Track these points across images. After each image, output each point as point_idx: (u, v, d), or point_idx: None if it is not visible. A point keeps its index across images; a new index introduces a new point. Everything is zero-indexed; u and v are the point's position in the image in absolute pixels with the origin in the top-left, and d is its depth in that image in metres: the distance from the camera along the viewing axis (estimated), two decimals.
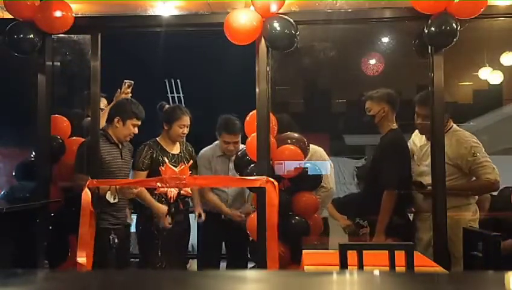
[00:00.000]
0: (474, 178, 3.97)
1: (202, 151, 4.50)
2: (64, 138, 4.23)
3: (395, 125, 4.06)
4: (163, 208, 4.05)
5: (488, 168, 3.85)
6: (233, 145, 4.34)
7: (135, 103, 4.09)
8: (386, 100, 4.04)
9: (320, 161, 4.26)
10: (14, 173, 4.36)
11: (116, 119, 4.01)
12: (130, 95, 4.26)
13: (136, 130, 4.06)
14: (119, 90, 4.25)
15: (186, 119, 4.21)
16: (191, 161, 4.25)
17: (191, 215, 4.43)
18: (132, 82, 4.25)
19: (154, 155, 4.15)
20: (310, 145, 4.21)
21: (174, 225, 4.09)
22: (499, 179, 3.91)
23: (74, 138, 4.27)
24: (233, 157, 4.31)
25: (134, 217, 4.37)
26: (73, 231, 3.79)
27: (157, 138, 4.26)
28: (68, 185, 4.15)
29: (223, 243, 4.57)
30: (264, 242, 3.63)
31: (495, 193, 4.20)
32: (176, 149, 4.24)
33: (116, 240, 3.95)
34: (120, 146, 4.07)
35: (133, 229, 4.38)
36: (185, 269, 4.64)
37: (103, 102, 4.28)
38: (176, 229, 4.13)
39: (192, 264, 5.12)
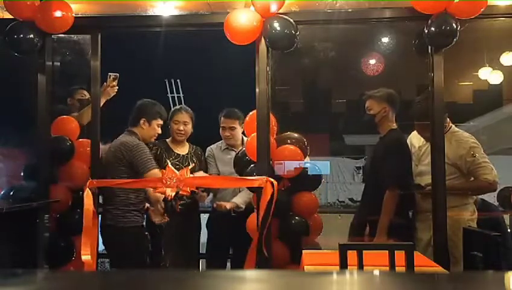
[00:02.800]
0: (472, 178, 3.98)
1: (208, 147, 4.58)
2: (73, 139, 4.21)
3: (394, 126, 4.06)
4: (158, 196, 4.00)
5: (487, 169, 3.86)
6: (229, 131, 4.39)
7: (157, 104, 4.17)
8: (387, 100, 4.04)
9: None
10: (22, 173, 4.36)
11: (142, 121, 4.05)
12: (117, 88, 4.27)
13: (160, 130, 4.13)
14: (105, 83, 4.24)
15: (181, 116, 4.27)
16: (194, 164, 4.25)
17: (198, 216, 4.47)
18: (117, 75, 4.24)
19: (159, 152, 4.23)
20: None
21: (180, 224, 4.10)
22: (497, 179, 3.92)
23: (82, 139, 4.25)
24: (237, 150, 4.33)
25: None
26: (80, 231, 3.80)
27: (167, 139, 4.34)
28: (76, 186, 4.14)
29: (231, 242, 4.56)
30: (265, 242, 3.64)
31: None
32: (183, 150, 4.28)
33: (149, 237, 3.99)
34: None
35: None
36: (196, 269, 4.63)
37: (85, 93, 4.31)
38: (182, 229, 4.12)
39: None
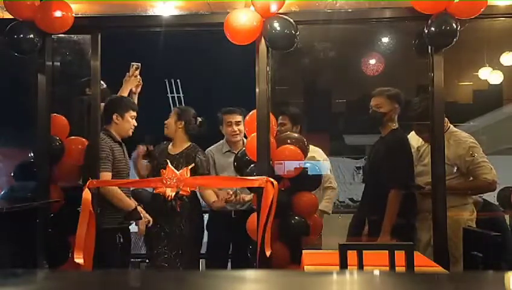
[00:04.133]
0: (471, 178, 3.98)
1: (207, 149, 4.53)
2: (63, 138, 4.20)
3: (395, 126, 4.06)
4: (131, 205, 4.02)
5: (486, 169, 3.87)
6: (235, 125, 4.39)
7: (126, 97, 4.22)
8: (397, 100, 4.03)
9: (324, 160, 4.31)
10: (12, 173, 4.36)
11: (114, 116, 4.07)
12: (139, 78, 4.33)
13: (135, 122, 4.15)
14: (127, 73, 4.30)
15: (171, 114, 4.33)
16: (193, 164, 4.23)
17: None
18: (139, 64, 4.31)
19: (155, 150, 4.32)
20: (310, 145, 4.24)
21: (178, 224, 4.10)
22: (496, 179, 3.92)
23: (73, 137, 4.25)
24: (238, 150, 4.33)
25: None
26: (74, 231, 3.80)
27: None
28: (69, 185, 4.14)
29: (231, 243, 4.56)
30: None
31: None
32: (175, 150, 4.26)
33: (121, 240, 3.98)
34: (122, 145, 4.13)
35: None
36: (197, 269, 4.62)
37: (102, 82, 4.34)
38: (179, 229, 4.12)
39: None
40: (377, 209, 3.93)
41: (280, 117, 4.27)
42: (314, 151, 4.34)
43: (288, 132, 4.15)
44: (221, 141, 4.54)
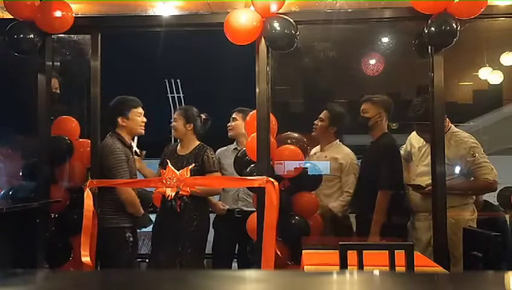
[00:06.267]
0: (472, 178, 3.99)
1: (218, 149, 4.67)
2: (73, 139, 4.20)
3: (384, 130, 4.16)
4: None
5: (487, 169, 3.88)
6: (231, 122, 4.53)
7: (124, 97, 4.18)
8: (383, 106, 4.14)
9: (349, 163, 4.23)
10: (21, 173, 4.36)
11: (120, 120, 4.04)
12: None
13: (143, 118, 4.12)
14: None
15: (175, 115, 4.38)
16: (193, 164, 4.22)
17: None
18: None
19: (166, 151, 4.36)
20: (342, 146, 4.29)
21: (183, 224, 4.10)
22: (497, 179, 3.92)
23: (83, 139, 4.24)
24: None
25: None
26: (77, 232, 3.80)
27: None
28: (75, 186, 4.14)
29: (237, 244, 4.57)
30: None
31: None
32: (184, 151, 4.27)
33: (131, 239, 3.98)
34: (131, 147, 4.13)
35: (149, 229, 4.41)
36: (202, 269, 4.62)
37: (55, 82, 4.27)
38: (184, 227, 4.12)
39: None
40: (363, 210, 3.98)
41: (323, 112, 4.33)
42: (339, 152, 4.29)
43: (289, 132, 4.15)
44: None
